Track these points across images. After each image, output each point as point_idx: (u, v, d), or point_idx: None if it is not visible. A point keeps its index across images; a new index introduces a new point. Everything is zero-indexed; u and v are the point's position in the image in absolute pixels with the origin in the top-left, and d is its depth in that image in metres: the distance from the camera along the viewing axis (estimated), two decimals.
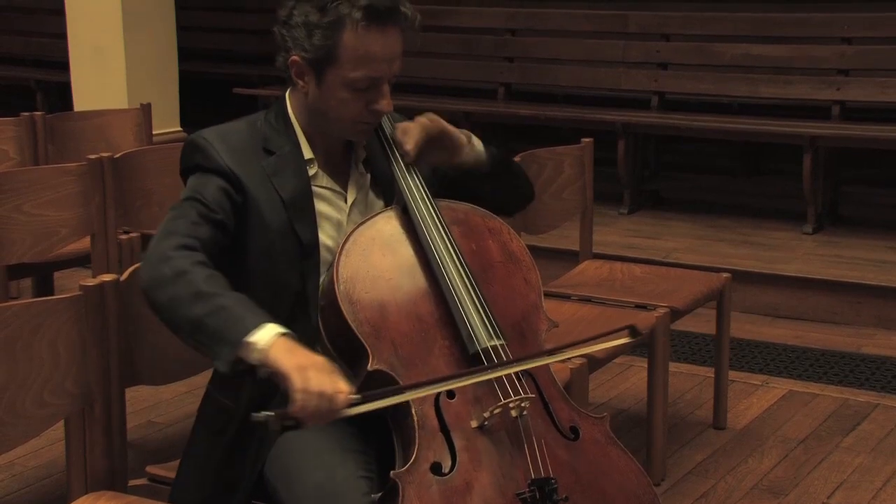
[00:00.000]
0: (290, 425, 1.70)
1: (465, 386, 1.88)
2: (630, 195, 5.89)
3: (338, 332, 1.92)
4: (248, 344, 1.74)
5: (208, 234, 1.92)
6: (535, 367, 1.96)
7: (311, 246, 2.02)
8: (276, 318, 1.88)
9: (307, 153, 2.07)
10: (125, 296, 2.04)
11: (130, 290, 2.04)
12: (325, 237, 2.05)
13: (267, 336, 1.75)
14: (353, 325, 1.89)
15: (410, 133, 2.08)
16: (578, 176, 3.64)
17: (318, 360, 1.75)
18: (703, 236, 5.40)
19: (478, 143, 2.18)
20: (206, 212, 1.94)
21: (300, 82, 2.05)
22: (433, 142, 2.11)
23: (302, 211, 2.02)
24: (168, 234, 1.90)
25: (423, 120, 2.11)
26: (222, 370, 1.77)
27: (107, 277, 2.01)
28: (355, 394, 1.73)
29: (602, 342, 1.99)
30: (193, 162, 2.02)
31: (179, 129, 5.90)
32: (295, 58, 2.02)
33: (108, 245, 3.31)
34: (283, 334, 1.76)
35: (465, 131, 2.19)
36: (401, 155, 2.08)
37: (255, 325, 1.76)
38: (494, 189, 2.19)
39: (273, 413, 1.69)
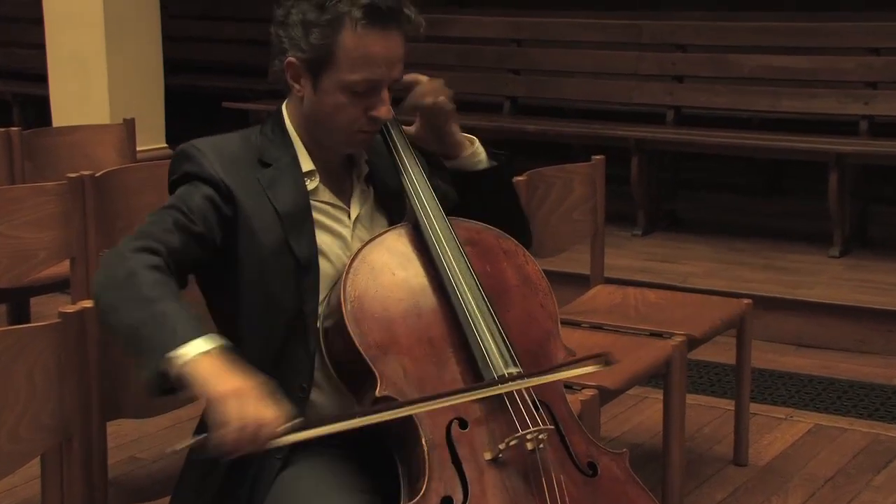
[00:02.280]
0: (218, 454, 1.66)
1: (472, 414, 1.88)
2: (644, 216, 5.90)
3: (343, 355, 1.92)
4: (171, 358, 1.70)
5: (179, 243, 1.91)
6: (552, 396, 1.97)
7: (308, 263, 2.01)
8: (271, 342, 1.88)
9: (306, 165, 2.07)
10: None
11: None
12: (326, 254, 2.05)
13: (193, 351, 1.70)
14: (360, 348, 1.89)
15: (439, 89, 2.13)
16: (589, 195, 3.65)
17: (246, 384, 1.70)
18: (722, 260, 5.40)
19: (481, 151, 2.20)
20: (185, 221, 1.94)
21: (296, 86, 2.05)
22: (433, 118, 2.14)
23: (299, 225, 2.02)
24: (135, 237, 1.91)
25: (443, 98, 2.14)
26: (145, 385, 1.74)
27: (87, 304, 2.01)
28: (296, 418, 1.71)
29: (570, 370, 1.98)
30: (182, 170, 2.02)
31: (165, 145, 5.91)
32: (291, 59, 2.02)
33: (88, 269, 3.31)
34: (212, 351, 1.71)
35: (472, 137, 2.21)
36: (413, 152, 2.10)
37: (187, 338, 1.72)
38: (483, 210, 2.18)
39: (192, 442, 1.67)
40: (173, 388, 1.73)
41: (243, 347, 1.94)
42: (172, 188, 2.04)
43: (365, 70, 1.98)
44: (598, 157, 3.71)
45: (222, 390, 1.68)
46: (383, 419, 1.80)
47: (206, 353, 1.72)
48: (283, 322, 1.99)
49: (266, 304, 1.99)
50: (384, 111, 2.02)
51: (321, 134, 2.06)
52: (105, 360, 2.03)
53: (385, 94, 2.02)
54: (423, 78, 2.18)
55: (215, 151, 2.03)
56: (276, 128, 2.10)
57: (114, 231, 3.40)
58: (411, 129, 2.19)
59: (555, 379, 1.99)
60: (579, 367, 1.98)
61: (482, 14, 7.01)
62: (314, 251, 2.02)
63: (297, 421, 1.72)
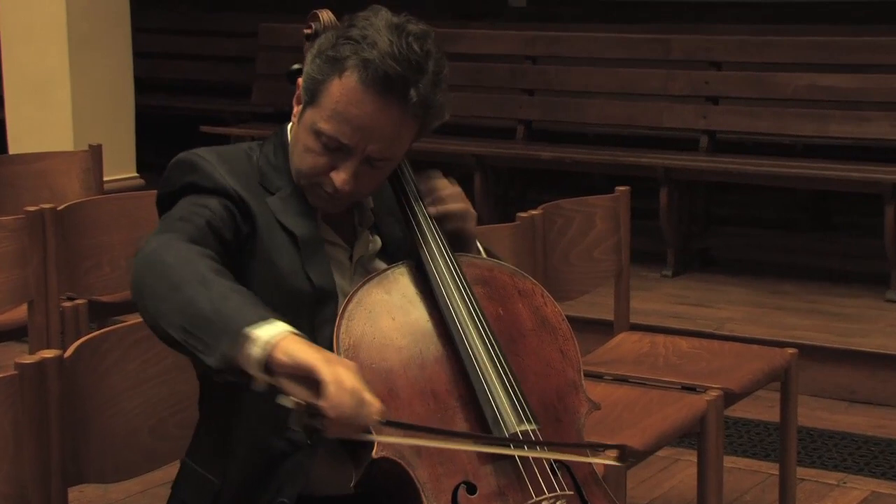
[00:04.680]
0: (315, 426, 1.68)
1: (481, 476, 1.88)
2: (674, 254, 5.90)
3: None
4: (250, 336, 1.69)
5: (215, 247, 1.91)
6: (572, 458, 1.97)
7: (325, 293, 2.03)
8: None
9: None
10: (70, 376, 2.04)
11: (76, 368, 2.04)
12: (344, 285, 2.06)
13: (275, 330, 1.70)
14: None
15: (457, 197, 2.13)
16: (612, 231, 3.66)
17: (350, 364, 1.74)
18: (762, 304, 5.40)
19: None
20: (217, 224, 1.93)
21: (295, 109, 2.09)
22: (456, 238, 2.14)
23: (314, 253, 2.04)
24: (169, 230, 1.89)
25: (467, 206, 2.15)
26: (213, 366, 1.71)
27: (47, 354, 2.02)
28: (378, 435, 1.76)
29: (577, 454, 1.98)
30: (185, 181, 2.01)
31: (136, 174, 5.94)
32: (300, 80, 2.07)
33: (48, 314, 3.32)
34: (295, 332, 1.73)
35: (483, 249, 2.22)
36: (422, 202, 2.11)
37: (262, 318, 1.72)
38: None
39: (302, 401, 1.67)
40: (240, 378, 1.73)
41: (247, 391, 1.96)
42: (167, 202, 2.03)
43: (337, 127, 1.98)
44: (622, 188, 3.72)
45: (330, 357, 1.71)
46: (464, 448, 1.86)
47: (292, 332, 1.72)
48: None
49: None
50: (340, 181, 2.00)
51: (293, 170, 2.08)
52: (67, 417, 2.04)
53: (350, 164, 2.00)
54: (442, 182, 2.17)
55: (223, 161, 2.04)
56: (278, 150, 2.11)
57: (78, 272, 3.41)
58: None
59: (566, 458, 1.99)
60: (593, 455, 1.97)
61: (492, 28, 7.06)
62: (332, 281, 2.04)
63: (394, 420, 1.78)
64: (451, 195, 2.15)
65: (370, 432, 1.77)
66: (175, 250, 1.82)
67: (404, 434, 1.82)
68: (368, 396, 1.71)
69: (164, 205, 2.03)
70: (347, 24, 2.02)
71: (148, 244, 1.87)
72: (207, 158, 2.03)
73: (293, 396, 1.68)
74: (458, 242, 2.15)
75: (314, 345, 1.73)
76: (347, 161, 2.00)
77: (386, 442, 1.81)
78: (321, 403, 1.67)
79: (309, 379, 1.68)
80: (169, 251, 1.82)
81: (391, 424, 1.77)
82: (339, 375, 1.68)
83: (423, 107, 1.99)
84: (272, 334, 1.70)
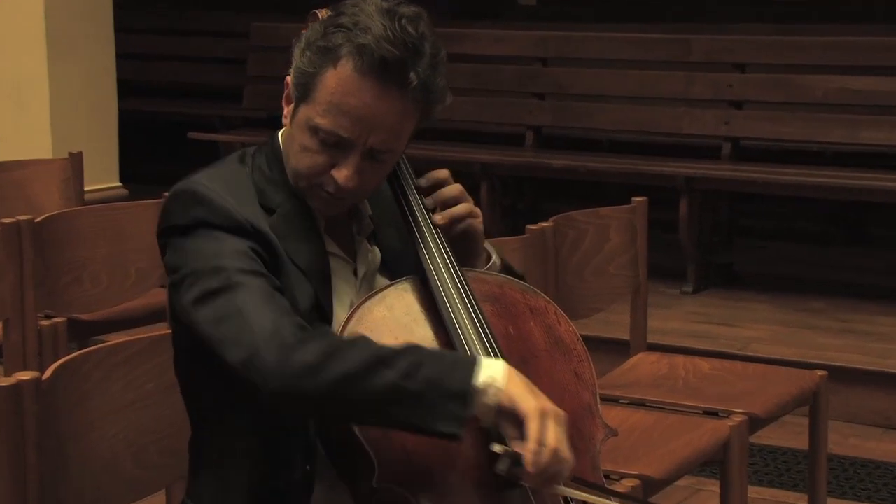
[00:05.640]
0: (516, 474, 1.84)
1: None
2: (695, 269, 5.90)
3: (336, 435, 1.93)
4: (482, 388, 1.82)
5: (289, 306, 1.94)
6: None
7: (329, 320, 2.04)
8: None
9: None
10: (47, 399, 2.04)
11: (54, 391, 2.04)
12: (342, 310, 2.06)
13: (499, 371, 1.84)
14: (355, 428, 1.89)
15: (460, 197, 2.15)
16: (629, 245, 3.66)
17: (556, 407, 1.85)
18: (790, 322, 5.39)
19: (496, 266, 2.21)
20: (270, 280, 1.95)
21: (285, 110, 2.09)
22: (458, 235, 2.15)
23: (322, 280, 2.05)
24: (252, 326, 1.87)
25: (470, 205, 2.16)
26: (451, 432, 1.81)
27: (24, 376, 2.01)
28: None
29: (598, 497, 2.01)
30: (194, 217, 1.98)
31: (119, 184, 5.95)
32: (288, 79, 2.07)
33: (25, 334, 3.32)
34: (506, 365, 1.86)
35: (492, 247, 2.23)
36: (425, 208, 2.12)
37: (473, 364, 1.84)
38: None
39: (510, 449, 1.84)
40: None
41: (242, 428, 1.99)
42: (168, 236, 2.01)
43: (335, 120, 1.98)
44: (639, 198, 3.72)
45: (545, 407, 1.84)
46: None
47: (507, 368, 1.86)
48: None
49: None
50: (342, 177, 2.00)
51: (291, 173, 2.08)
52: (44, 443, 2.03)
53: (353, 159, 2.00)
54: (444, 173, 2.18)
55: (228, 189, 2.02)
56: (272, 161, 2.10)
57: (57, 288, 3.41)
58: None
59: (582, 497, 1.99)
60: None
61: (499, 27, 7.07)
62: (331, 306, 2.05)
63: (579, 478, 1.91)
64: (454, 196, 2.15)
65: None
66: (306, 348, 1.85)
67: (583, 489, 1.93)
68: (566, 453, 1.83)
69: (167, 237, 2.01)
70: (335, 14, 2.02)
71: (260, 352, 1.85)
72: (212, 187, 2.01)
73: (504, 442, 1.85)
74: (465, 243, 2.15)
75: (529, 383, 1.86)
76: (349, 156, 2.00)
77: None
78: (525, 456, 1.81)
79: (518, 420, 1.83)
80: (298, 350, 1.85)
81: (577, 481, 1.90)
82: (544, 432, 1.81)
83: (423, 90, 2.00)
84: (501, 377, 1.84)
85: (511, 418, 1.82)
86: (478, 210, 2.18)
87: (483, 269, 2.17)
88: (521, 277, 2.26)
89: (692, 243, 5.84)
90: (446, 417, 1.80)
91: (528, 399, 1.82)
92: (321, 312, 2.03)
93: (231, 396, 1.97)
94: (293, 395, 1.84)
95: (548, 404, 1.84)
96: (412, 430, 1.83)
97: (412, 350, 1.86)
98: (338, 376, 1.82)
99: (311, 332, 1.88)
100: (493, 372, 1.83)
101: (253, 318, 1.88)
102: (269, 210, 2.04)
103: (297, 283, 2.01)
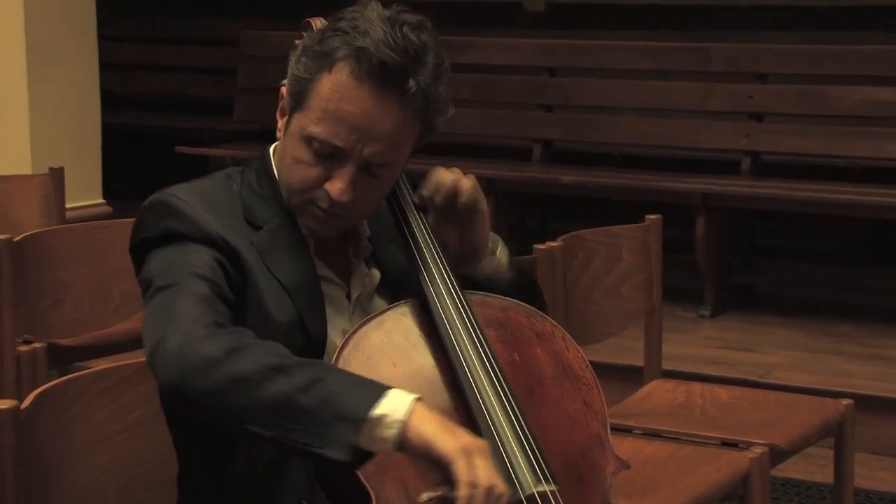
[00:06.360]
0: None
1: None
2: (713, 291, 5.90)
3: (331, 467, 1.93)
4: (378, 418, 1.77)
5: (229, 316, 1.93)
6: None
7: (321, 345, 2.05)
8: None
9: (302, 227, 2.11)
10: (27, 429, 2.04)
11: (34, 420, 2.04)
12: (336, 335, 2.07)
13: (404, 403, 1.78)
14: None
15: (444, 183, 2.13)
16: (642, 266, 3.66)
17: (477, 441, 1.82)
18: (814, 348, 5.39)
19: (503, 258, 2.22)
20: (218, 289, 1.95)
21: (279, 122, 2.10)
22: (457, 214, 2.14)
23: (310, 299, 2.05)
24: (174, 317, 1.89)
25: (468, 181, 2.15)
26: (340, 459, 1.77)
27: (1, 404, 2.02)
28: None
29: None
30: (163, 227, 2.02)
31: (102, 201, 5.95)
32: (283, 89, 2.08)
33: (2, 359, 3.32)
34: (419, 399, 1.81)
35: (496, 237, 2.23)
36: (424, 226, 2.12)
37: (379, 392, 1.79)
38: None
39: (440, 495, 1.80)
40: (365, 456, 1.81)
41: (233, 454, 1.99)
42: (141, 250, 2.04)
43: (329, 128, 1.99)
44: (653, 216, 3.73)
45: (467, 444, 1.79)
46: None
47: (417, 400, 1.80)
48: None
49: None
50: (335, 190, 2.02)
51: (282, 188, 2.10)
52: (23, 475, 2.04)
53: (347, 170, 2.01)
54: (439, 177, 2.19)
55: (204, 202, 2.05)
56: (262, 177, 2.12)
57: (36, 311, 3.41)
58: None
59: None
60: None
61: (505, 35, 7.08)
62: (325, 329, 2.06)
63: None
64: (447, 178, 2.15)
65: None
66: (215, 341, 1.84)
67: None
68: (501, 488, 1.79)
69: (140, 252, 2.04)
70: (335, 19, 2.04)
71: (167, 338, 1.86)
72: (186, 200, 2.03)
73: (428, 489, 1.81)
74: (469, 221, 2.15)
75: (441, 419, 1.81)
76: (343, 167, 2.02)
77: None
78: (458, 501, 1.77)
79: (441, 463, 1.78)
80: (207, 343, 1.84)
81: None
82: (473, 472, 1.76)
83: (424, 99, 2.01)
84: (403, 410, 1.78)
85: (432, 462, 1.79)
86: (470, 184, 2.15)
87: (486, 294, 2.17)
88: (530, 274, 2.28)
89: (710, 264, 5.84)
90: (335, 442, 1.77)
91: (445, 439, 1.78)
92: (305, 332, 2.03)
93: (218, 429, 1.98)
94: (184, 389, 1.84)
95: (468, 440, 1.80)
96: (302, 451, 1.80)
97: (321, 366, 1.84)
98: (230, 376, 1.81)
99: (228, 330, 1.87)
100: (397, 404, 1.78)
101: (178, 311, 1.89)
102: (255, 227, 2.06)
103: (275, 298, 2.02)
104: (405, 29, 1.99)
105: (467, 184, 2.14)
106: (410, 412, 1.78)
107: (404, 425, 1.77)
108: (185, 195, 2.05)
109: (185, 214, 2.02)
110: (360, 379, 1.84)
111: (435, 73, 2.02)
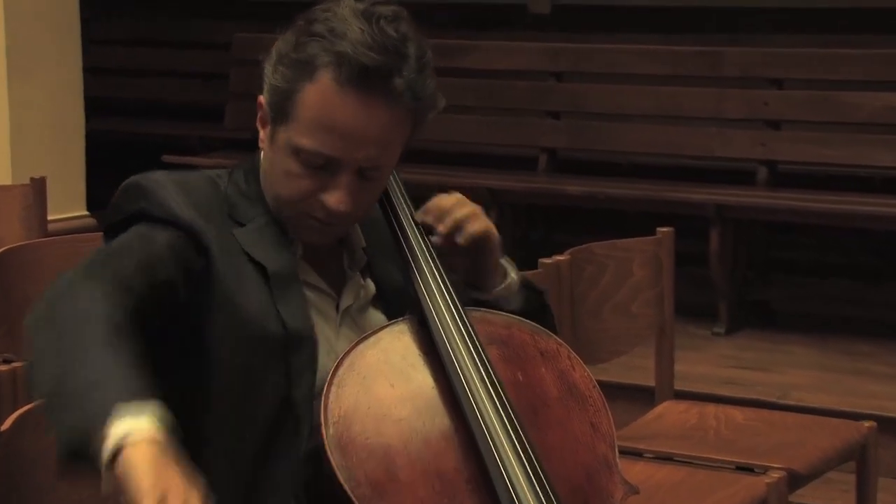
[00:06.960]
0: None
1: None
2: (728, 308, 5.90)
3: (325, 489, 1.93)
4: (105, 429, 1.64)
5: (145, 290, 1.91)
6: None
7: (301, 335, 2.04)
8: (252, 437, 1.94)
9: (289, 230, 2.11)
10: (7, 453, 2.04)
11: (15, 444, 2.05)
12: (322, 347, 2.07)
13: (142, 427, 1.64)
14: (345, 484, 1.89)
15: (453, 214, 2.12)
16: (654, 280, 3.66)
17: (190, 490, 1.63)
18: (833, 367, 5.39)
19: (514, 283, 2.23)
20: (149, 264, 1.94)
21: (261, 133, 2.11)
22: (469, 248, 2.15)
23: (288, 289, 2.05)
24: (93, 273, 1.90)
25: (475, 209, 2.15)
26: (59, 454, 1.69)
27: None
28: None
29: None
30: (134, 208, 2.04)
31: (86, 213, 5.95)
32: (261, 99, 2.09)
33: None
34: (159, 432, 1.66)
35: (509, 260, 2.24)
36: (422, 237, 2.12)
37: (132, 411, 1.65)
38: None
39: None
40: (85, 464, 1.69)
41: (210, 452, 1.97)
42: (113, 232, 2.06)
43: (319, 139, 2.00)
44: (664, 229, 3.73)
45: (160, 487, 1.61)
46: None
47: (155, 433, 1.65)
48: (268, 411, 2.01)
49: (244, 389, 2.01)
50: (334, 201, 2.03)
51: (273, 201, 2.10)
52: (3, 502, 2.04)
53: (343, 179, 2.02)
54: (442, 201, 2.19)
55: (180, 188, 2.06)
56: (250, 178, 2.14)
57: (18, 327, 3.42)
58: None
59: None
60: None
61: (509, 38, 7.08)
62: (309, 322, 2.05)
63: None
64: (451, 205, 2.16)
65: None
66: (79, 302, 1.84)
67: None
68: None
69: (111, 233, 2.06)
70: (307, 21, 2.04)
71: (59, 281, 1.90)
72: (162, 182, 2.05)
73: None
74: (477, 256, 2.16)
75: (167, 459, 1.64)
76: (338, 177, 2.02)
77: None
78: None
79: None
80: (71, 299, 1.85)
81: None
82: None
83: (412, 97, 2.02)
84: (136, 435, 1.64)
85: (125, 499, 1.62)
86: (475, 211, 2.16)
87: (487, 310, 2.17)
88: (541, 294, 2.27)
89: (724, 279, 5.84)
90: (62, 432, 1.68)
91: (146, 477, 1.60)
92: (279, 319, 2.02)
93: (201, 395, 1.98)
94: (29, 320, 1.88)
95: (173, 485, 1.61)
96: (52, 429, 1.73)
97: (121, 355, 1.75)
98: (48, 341, 1.83)
99: (96, 300, 1.83)
100: (133, 423, 1.64)
101: (72, 270, 1.93)
102: (239, 224, 2.08)
103: (249, 284, 2.02)
104: (381, 23, 2.00)
105: (475, 227, 2.15)
106: (140, 441, 1.63)
107: (121, 449, 1.63)
108: (161, 178, 2.07)
109: (157, 196, 2.03)
110: (134, 384, 1.70)
111: (419, 66, 2.03)
